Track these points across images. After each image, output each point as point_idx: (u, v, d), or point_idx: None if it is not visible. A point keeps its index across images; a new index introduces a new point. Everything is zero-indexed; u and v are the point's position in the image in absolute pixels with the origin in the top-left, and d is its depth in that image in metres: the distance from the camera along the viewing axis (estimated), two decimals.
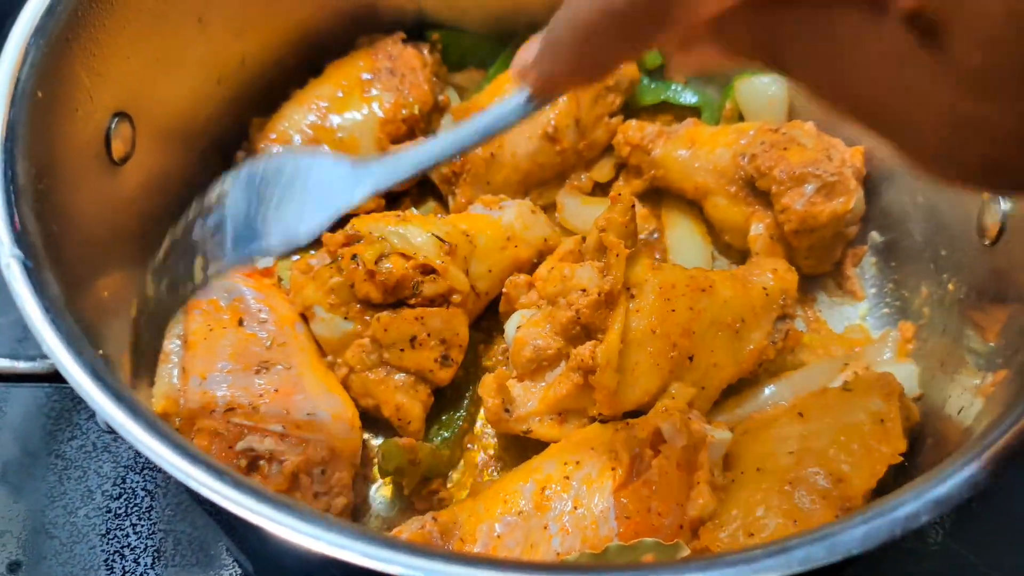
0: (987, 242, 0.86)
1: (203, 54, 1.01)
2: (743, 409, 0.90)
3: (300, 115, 1.07)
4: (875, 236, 1.05)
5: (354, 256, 0.88)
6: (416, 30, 1.17)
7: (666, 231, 1.08)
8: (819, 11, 0.42)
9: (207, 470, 0.59)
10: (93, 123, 0.85)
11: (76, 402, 1.05)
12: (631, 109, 1.14)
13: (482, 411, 0.90)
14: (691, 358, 0.84)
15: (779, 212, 0.97)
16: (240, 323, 0.89)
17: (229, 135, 1.08)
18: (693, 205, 1.08)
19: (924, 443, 0.85)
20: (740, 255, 1.06)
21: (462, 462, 0.93)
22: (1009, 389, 0.74)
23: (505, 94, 0.90)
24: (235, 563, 0.94)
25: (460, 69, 1.20)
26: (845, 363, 0.93)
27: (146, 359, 0.86)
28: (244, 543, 0.87)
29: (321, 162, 0.70)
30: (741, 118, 1.12)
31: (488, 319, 1.00)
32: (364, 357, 0.91)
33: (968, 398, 0.81)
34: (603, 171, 1.12)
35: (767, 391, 0.91)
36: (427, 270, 0.90)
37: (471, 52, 1.20)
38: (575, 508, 0.75)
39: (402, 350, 0.90)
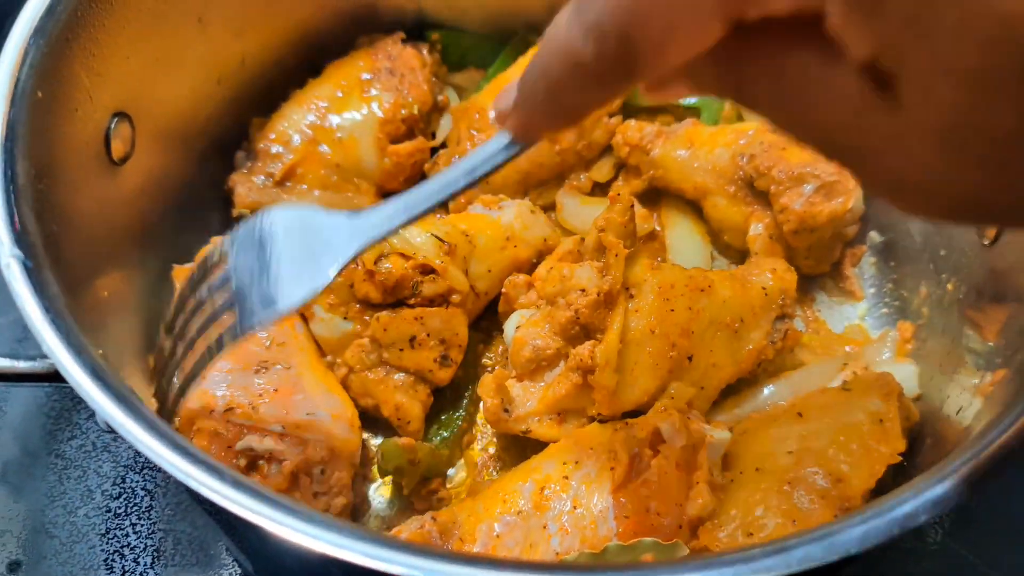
0: (986, 242, 0.86)
1: (203, 54, 1.01)
2: (742, 409, 0.90)
3: (300, 115, 1.07)
4: (874, 236, 1.05)
5: None
6: (416, 30, 1.17)
7: (665, 231, 1.08)
8: (777, 58, 0.43)
9: (207, 470, 0.59)
10: (93, 123, 0.84)
11: (76, 402, 1.05)
12: (630, 109, 1.14)
13: (481, 411, 0.90)
14: (690, 358, 0.84)
15: (778, 212, 0.97)
16: None
17: (229, 135, 1.08)
18: (692, 205, 1.08)
19: (923, 443, 0.85)
20: (739, 255, 1.06)
21: (461, 462, 0.93)
22: (1008, 389, 0.74)
23: (490, 137, 0.89)
24: (235, 563, 0.94)
25: (460, 69, 1.20)
26: (844, 363, 0.93)
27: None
28: (244, 543, 0.86)
29: (314, 217, 0.68)
30: (740, 118, 1.12)
31: (487, 319, 1.00)
32: (363, 357, 0.91)
33: (967, 398, 0.81)
34: (602, 171, 1.11)
35: (766, 391, 0.91)
36: (426, 270, 0.90)
37: (471, 52, 1.19)
38: (574, 508, 0.75)
39: (401, 350, 0.90)
